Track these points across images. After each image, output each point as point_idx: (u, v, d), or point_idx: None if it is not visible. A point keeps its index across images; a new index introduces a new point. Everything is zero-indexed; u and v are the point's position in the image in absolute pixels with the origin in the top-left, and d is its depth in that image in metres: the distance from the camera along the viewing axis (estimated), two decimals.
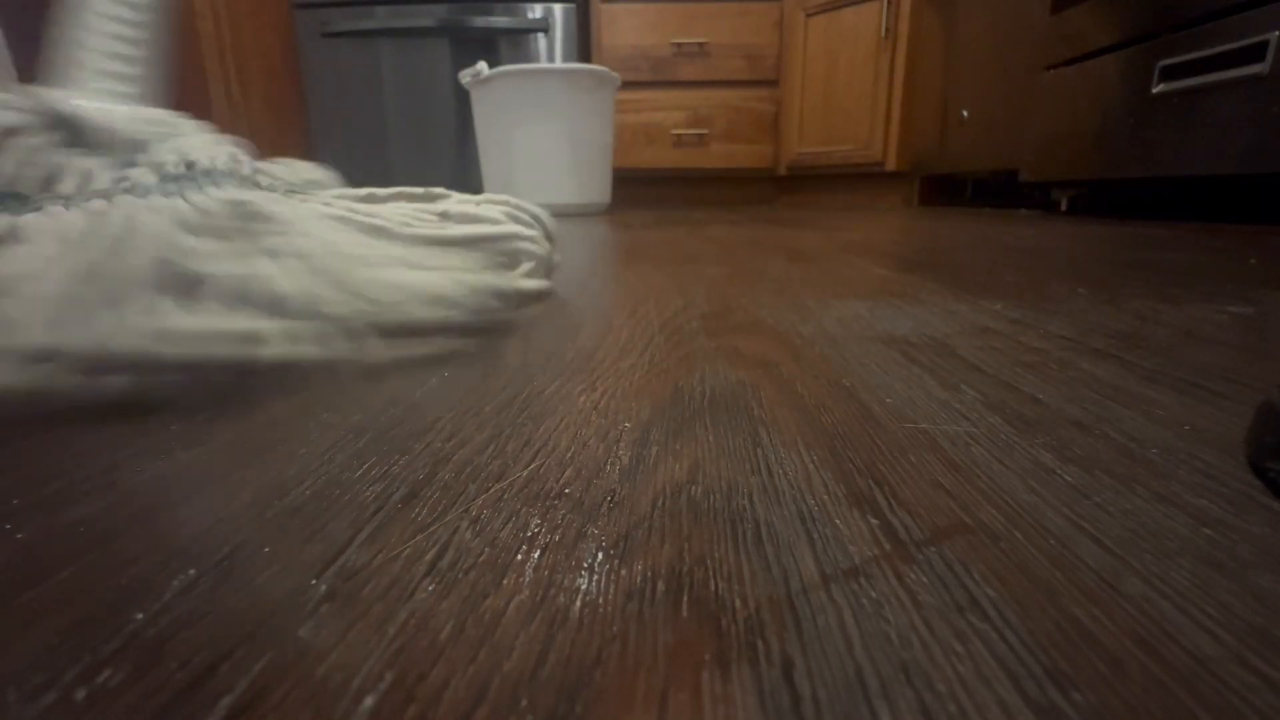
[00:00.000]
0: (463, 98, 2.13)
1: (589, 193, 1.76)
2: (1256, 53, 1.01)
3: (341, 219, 0.29)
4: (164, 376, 0.22)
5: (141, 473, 0.17)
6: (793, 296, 0.44)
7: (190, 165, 0.27)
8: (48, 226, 0.24)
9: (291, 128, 2.33)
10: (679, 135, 2.31)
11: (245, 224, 0.26)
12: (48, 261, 0.22)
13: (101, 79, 0.29)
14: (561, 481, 0.17)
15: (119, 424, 0.21)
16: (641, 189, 2.51)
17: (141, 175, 0.26)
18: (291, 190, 0.34)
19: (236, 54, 2.32)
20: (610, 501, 0.16)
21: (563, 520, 0.15)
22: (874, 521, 0.15)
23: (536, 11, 2.14)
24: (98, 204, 0.25)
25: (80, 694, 0.10)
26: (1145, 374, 0.26)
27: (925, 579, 0.13)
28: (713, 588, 0.12)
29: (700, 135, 2.31)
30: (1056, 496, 0.16)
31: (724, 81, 2.27)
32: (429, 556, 0.13)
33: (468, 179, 2.21)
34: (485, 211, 0.35)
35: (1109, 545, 0.14)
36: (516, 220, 0.36)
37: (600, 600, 0.12)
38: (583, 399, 0.23)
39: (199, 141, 0.29)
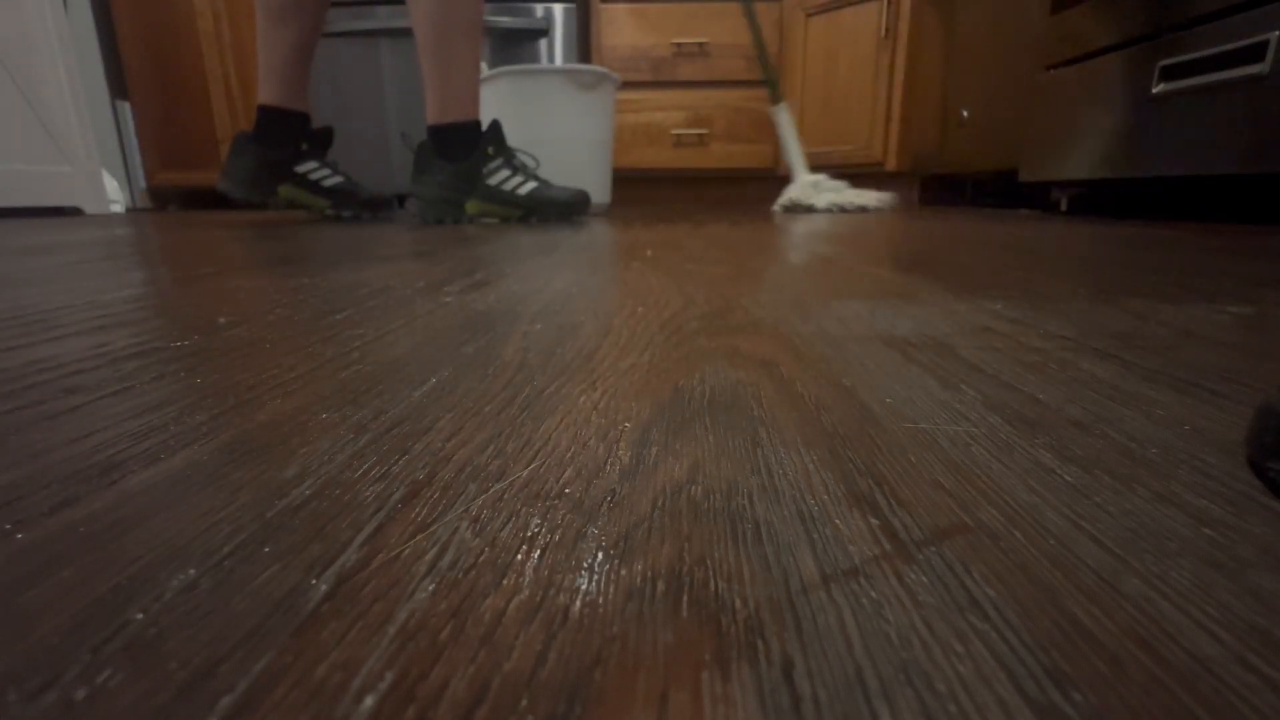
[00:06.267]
0: None
1: (588, 193, 1.76)
2: (1256, 53, 1.01)
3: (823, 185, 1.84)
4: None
5: (141, 473, 0.17)
6: (792, 296, 0.44)
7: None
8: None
9: None
10: (679, 135, 2.31)
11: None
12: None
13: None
14: (561, 481, 0.17)
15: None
16: (641, 189, 2.51)
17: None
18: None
19: (236, 53, 2.32)
20: (610, 501, 0.16)
21: (563, 520, 0.15)
22: (874, 521, 0.15)
23: (537, 12, 2.14)
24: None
25: (80, 694, 0.10)
26: (1145, 374, 0.26)
27: (925, 579, 0.13)
28: (713, 588, 0.12)
29: (700, 135, 2.31)
30: (1056, 496, 0.16)
31: (724, 81, 2.27)
32: (429, 556, 0.13)
33: None
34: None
35: (1109, 545, 0.14)
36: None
37: (600, 600, 0.12)
38: (583, 399, 0.23)
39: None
